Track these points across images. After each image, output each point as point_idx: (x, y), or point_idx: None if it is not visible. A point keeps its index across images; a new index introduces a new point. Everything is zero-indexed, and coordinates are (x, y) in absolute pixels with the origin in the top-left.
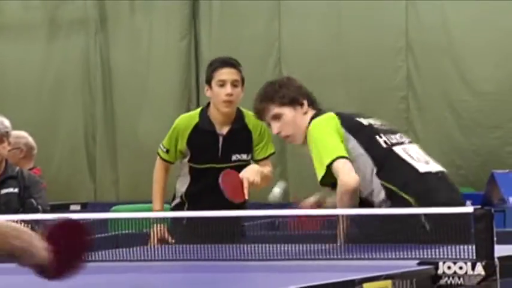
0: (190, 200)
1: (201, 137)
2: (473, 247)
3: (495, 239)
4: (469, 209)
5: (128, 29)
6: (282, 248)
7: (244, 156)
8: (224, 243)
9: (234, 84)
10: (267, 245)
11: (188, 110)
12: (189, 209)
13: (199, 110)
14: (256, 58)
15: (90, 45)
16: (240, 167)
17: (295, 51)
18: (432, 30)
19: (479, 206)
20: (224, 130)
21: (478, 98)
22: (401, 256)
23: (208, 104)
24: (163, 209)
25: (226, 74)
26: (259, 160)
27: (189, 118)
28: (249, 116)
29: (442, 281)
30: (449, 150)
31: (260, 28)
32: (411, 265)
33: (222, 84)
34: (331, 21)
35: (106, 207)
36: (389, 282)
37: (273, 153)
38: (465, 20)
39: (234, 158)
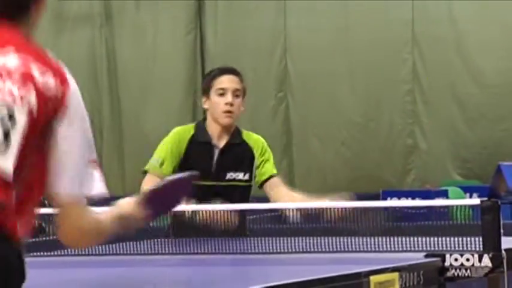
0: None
1: (197, 149)
2: (480, 239)
3: (502, 231)
4: (476, 201)
5: (134, 23)
6: (288, 242)
7: (240, 176)
8: (228, 237)
9: (235, 94)
10: (272, 238)
11: (194, 105)
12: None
13: (194, 123)
14: (262, 52)
15: (95, 40)
16: (234, 187)
17: (301, 44)
18: (438, 23)
19: (486, 198)
20: (221, 143)
21: (483, 91)
22: (408, 248)
23: (204, 118)
24: None
25: (227, 81)
26: (265, 180)
27: (184, 130)
28: (248, 134)
29: (449, 273)
30: (455, 143)
31: (265, 22)
32: (418, 257)
33: (222, 93)
34: (337, 14)
35: (113, 201)
36: (396, 274)
37: (277, 174)
38: (471, 12)
39: (228, 176)
